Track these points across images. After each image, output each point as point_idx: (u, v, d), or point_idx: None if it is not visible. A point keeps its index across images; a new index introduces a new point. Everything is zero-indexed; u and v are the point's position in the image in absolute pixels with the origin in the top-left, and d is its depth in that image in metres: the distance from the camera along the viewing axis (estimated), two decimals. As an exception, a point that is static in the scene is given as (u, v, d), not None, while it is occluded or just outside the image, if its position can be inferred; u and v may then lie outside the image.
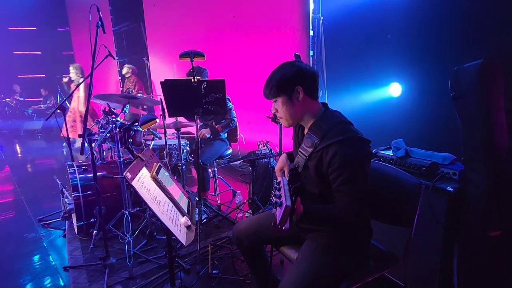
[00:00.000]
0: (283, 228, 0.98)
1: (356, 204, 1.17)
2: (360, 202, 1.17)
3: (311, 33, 3.31)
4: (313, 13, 3.24)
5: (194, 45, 4.97)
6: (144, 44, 6.66)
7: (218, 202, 3.27)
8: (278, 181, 1.14)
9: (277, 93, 1.29)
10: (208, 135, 3.16)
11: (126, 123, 2.55)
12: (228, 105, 3.17)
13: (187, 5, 5.13)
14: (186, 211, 1.57)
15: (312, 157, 1.25)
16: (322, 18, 3.18)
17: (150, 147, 2.82)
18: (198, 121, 2.38)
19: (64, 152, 6.26)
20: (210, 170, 3.21)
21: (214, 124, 3.17)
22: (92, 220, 2.59)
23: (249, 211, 2.89)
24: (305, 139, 1.30)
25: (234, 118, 3.23)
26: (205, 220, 2.78)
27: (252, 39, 4.16)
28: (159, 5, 5.87)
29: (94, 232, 2.50)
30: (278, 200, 1.03)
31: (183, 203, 1.61)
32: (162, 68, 6.14)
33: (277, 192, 1.09)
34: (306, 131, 1.32)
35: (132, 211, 2.55)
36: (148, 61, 6.65)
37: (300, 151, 1.31)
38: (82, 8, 8.22)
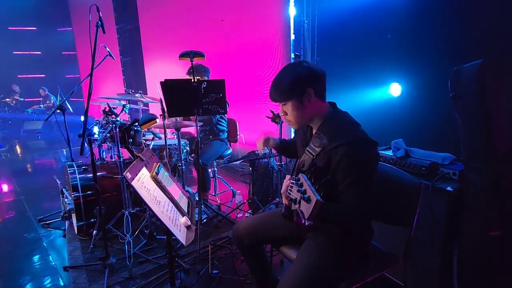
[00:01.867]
0: (307, 224, 0.98)
1: (362, 205, 1.17)
2: (366, 202, 1.18)
3: (292, 36, 3.60)
4: (297, 16, 3.48)
5: (188, 47, 5.02)
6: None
7: (218, 202, 3.27)
8: (297, 177, 1.12)
9: (288, 97, 1.25)
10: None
11: (126, 123, 2.55)
12: None
13: (179, 9, 5.32)
14: (186, 211, 1.57)
15: (320, 157, 1.25)
16: (306, 21, 3.42)
17: (150, 147, 2.82)
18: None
19: (64, 152, 6.25)
20: (210, 170, 3.21)
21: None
22: (92, 220, 2.59)
23: (249, 211, 2.89)
24: (314, 138, 1.29)
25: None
26: (205, 220, 2.78)
27: (242, 42, 4.33)
28: (152, 9, 6.06)
29: (94, 232, 2.49)
30: (304, 196, 1.01)
31: (183, 203, 1.61)
32: (158, 69, 6.26)
33: (299, 188, 1.06)
34: (314, 131, 1.32)
35: (132, 211, 2.54)
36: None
37: (307, 150, 1.30)
38: (85, 8, 8.23)
